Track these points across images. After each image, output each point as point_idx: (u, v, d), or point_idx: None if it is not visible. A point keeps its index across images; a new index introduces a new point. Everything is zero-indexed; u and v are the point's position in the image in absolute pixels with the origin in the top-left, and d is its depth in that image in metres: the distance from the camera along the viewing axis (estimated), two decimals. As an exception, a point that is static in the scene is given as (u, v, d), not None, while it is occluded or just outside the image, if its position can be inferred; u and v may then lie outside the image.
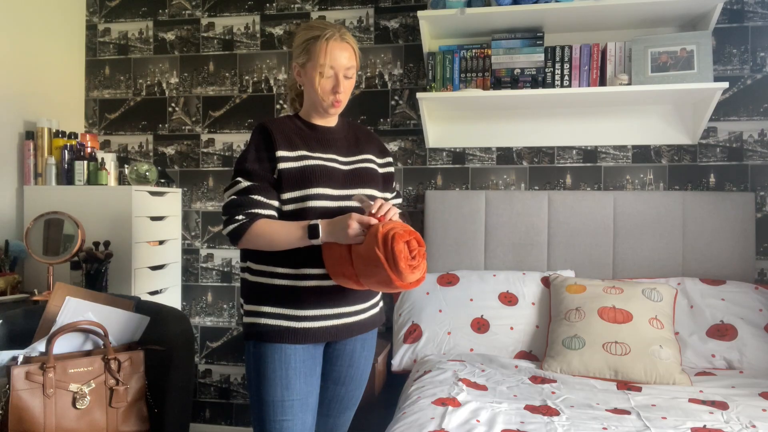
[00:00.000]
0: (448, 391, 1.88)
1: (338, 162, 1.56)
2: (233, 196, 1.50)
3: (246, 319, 1.54)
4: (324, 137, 1.58)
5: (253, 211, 1.46)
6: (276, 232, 1.44)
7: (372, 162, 1.64)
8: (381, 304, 1.70)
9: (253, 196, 1.47)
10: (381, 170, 1.66)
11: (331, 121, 1.62)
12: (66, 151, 2.67)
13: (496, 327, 2.37)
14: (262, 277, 1.52)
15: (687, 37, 2.41)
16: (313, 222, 1.42)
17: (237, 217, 1.46)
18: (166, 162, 3.06)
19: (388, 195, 1.70)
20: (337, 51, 1.49)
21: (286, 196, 1.49)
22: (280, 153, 1.50)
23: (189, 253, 3.03)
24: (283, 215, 1.50)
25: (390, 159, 1.72)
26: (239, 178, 1.50)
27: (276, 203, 1.50)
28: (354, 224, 1.36)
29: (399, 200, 1.77)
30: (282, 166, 1.49)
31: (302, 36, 1.53)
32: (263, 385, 1.49)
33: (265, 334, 1.48)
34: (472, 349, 2.34)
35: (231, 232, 1.47)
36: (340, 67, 1.50)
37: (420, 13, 2.52)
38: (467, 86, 2.62)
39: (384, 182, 1.67)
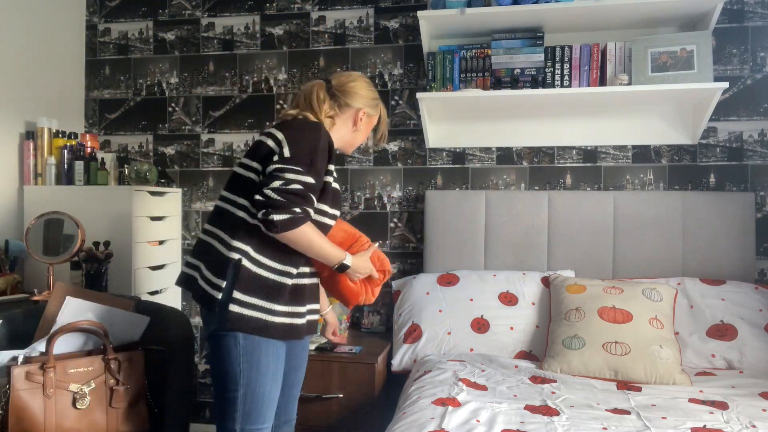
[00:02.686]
0: (448, 391, 1.88)
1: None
2: (299, 186, 1.47)
3: (244, 311, 1.49)
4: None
5: (309, 209, 1.50)
6: (321, 245, 1.54)
7: None
8: None
9: (312, 196, 1.51)
10: None
11: None
12: (66, 151, 2.67)
13: (496, 327, 2.37)
14: (273, 274, 1.53)
15: (687, 37, 2.41)
16: (346, 261, 1.59)
17: (295, 209, 1.45)
18: (166, 162, 3.06)
19: None
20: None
21: (333, 211, 1.64)
22: (331, 167, 1.61)
23: (189, 253, 3.03)
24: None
25: None
26: (303, 169, 1.49)
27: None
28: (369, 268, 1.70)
29: None
30: (329, 180, 1.60)
31: (372, 92, 1.75)
32: (254, 377, 1.51)
33: (269, 330, 1.51)
34: (472, 349, 2.34)
35: (286, 221, 1.43)
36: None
37: (420, 13, 2.52)
38: (467, 86, 2.62)
39: None
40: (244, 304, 1.49)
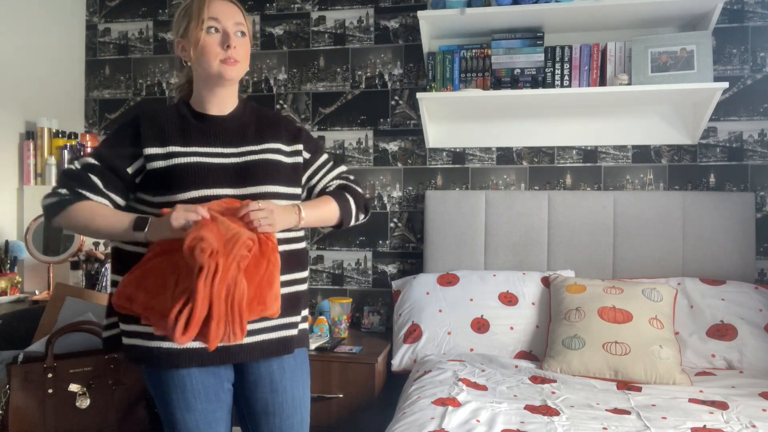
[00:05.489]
0: (448, 391, 1.88)
1: (224, 156, 1.34)
2: (72, 166, 1.32)
3: (129, 341, 1.31)
4: (211, 128, 1.36)
5: (81, 191, 1.29)
6: (101, 215, 1.26)
7: (277, 152, 1.39)
8: (302, 324, 1.44)
9: (91, 176, 1.29)
10: (288, 160, 1.41)
11: (225, 107, 1.40)
12: (66, 151, 2.67)
13: (496, 327, 2.37)
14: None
15: (687, 37, 2.41)
16: (144, 215, 1.26)
17: (61, 191, 1.29)
18: (166, 162, 3.06)
19: (298, 190, 1.44)
20: (218, 4, 1.35)
21: (159, 199, 1.29)
22: (150, 150, 1.30)
23: (189, 253, 3.03)
24: None
25: (300, 146, 1.44)
26: (89, 157, 1.32)
27: (117, 198, 1.32)
28: (178, 214, 1.17)
29: (337, 170, 1.52)
30: (151, 165, 1.30)
31: (179, 11, 1.40)
32: (163, 407, 1.35)
33: (157, 359, 1.29)
34: (472, 349, 2.34)
35: (49, 206, 1.28)
36: (227, 19, 1.34)
37: (420, 13, 2.52)
38: (467, 86, 2.62)
39: (293, 174, 1.42)
40: (132, 334, 1.33)
